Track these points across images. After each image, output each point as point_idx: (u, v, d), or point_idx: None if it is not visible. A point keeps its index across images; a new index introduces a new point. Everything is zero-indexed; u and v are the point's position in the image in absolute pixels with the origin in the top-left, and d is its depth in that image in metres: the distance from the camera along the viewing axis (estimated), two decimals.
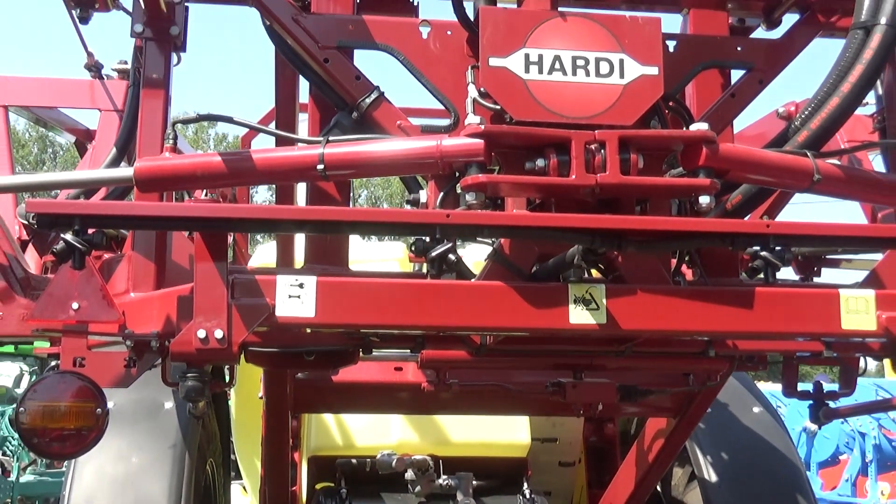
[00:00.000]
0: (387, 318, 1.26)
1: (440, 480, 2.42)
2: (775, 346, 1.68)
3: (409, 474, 2.42)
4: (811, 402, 2.06)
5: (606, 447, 2.91)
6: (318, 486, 2.66)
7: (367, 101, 1.54)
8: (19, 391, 8.40)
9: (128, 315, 1.36)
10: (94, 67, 2.57)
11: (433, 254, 1.18)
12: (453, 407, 2.28)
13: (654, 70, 1.46)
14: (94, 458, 2.24)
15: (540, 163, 1.29)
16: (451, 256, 1.19)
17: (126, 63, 2.41)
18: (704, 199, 1.29)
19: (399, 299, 1.26)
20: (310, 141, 1.45)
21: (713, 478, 2.46)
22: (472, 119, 1.43)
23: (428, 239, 1.24)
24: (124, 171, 1.42)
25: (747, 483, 2.48)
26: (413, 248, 1.23)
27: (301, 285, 1.25)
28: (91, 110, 2.61)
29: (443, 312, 1.26)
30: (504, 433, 2.67)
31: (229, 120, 1.57)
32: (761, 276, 1.34)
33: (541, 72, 1.43)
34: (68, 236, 1.18)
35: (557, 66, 1.44)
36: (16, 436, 6.77)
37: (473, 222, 1.27)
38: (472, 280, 1.33)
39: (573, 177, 1.26)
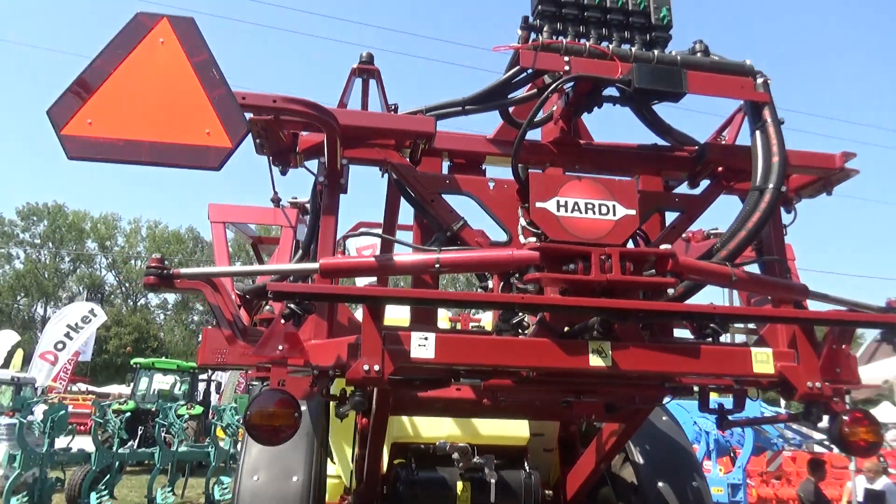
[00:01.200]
0: (477, 359, 2.07)
1: (475, 460, 3.61)
2: (705, 381, 2.52)
3: (455, 455, 3.58)
4: (717, 415, 2.87)
5: (571, 440, 4.20)
6: (395, 462, 3.80)
7: (457, 226, 2.42)
8: (176, 392, 17.13)
9: (311, 354, 2.16)
10: (276, 201, 3.61)
11: (514, 321, 2.02)
12: (498, 413, 3.27)
13: (633, 212, 2.37)
14: (255, 444, 3.30)
15: (571, 266, 2.14)
16: (525, 321, 2.02)
17: (296, 198, 3.60)
18: (670, 291, 2.15)
19: (485, 348, 2.07)
20: (425, 249, 2.32)
21: (640, 460, 3.75)
22: (524, 240, 2.32)
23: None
24: (312, 265, 2.24)
25: (661, 462, 3.78)
26: (501, 317, 2.06)
27: (426, 338, 2.06)
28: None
29: (510, 356, 2.07)
30: (512, 430, 3.91)
31: (378, 235, 2.43)
32: (709, 338, 2.20)
33: (567, 211, 2.33)
34: (292, 305, 1.96)
35: (576, 208, 2.34)
36: (175, 422, 12.49)
37: (538, 302, 2.09)
38: (528, 337, 2.16)
39: (592, 275, 2.11)
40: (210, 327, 2.37)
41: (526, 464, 3.87)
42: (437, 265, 2.14)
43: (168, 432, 13.10)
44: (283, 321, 2.17)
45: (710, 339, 2.29)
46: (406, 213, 2.61)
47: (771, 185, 2.31)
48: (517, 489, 3.69)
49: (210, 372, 20.01)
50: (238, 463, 3.49)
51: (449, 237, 2.42)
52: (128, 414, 14.37)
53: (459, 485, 3.67)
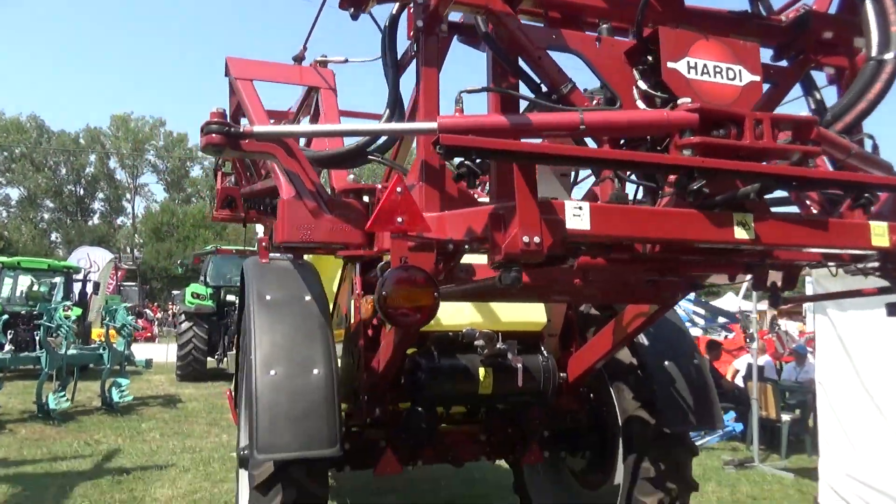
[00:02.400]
0: (632, 231, 1.87)
1: (499, 345, 3.52)
2: (807, 256, 2.50)
3: (480, 342, 3.47)
4: (771, 293, 2.92)
5: (570, 325, 4.18)
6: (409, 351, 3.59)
7: (566, 88, 2.14)
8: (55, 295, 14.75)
9: (438, 226, 1.86)
10: (299, 59, 3.04)
11: (694, 187, 1.83)
12: (578, 295, 3.24)
13: (758, 78, 2.21)
14: (267, 335, 3.07)
15: (721, 132, 1.97)
16: (705, 189, 1.84)
17: (325, 56, 3.11)
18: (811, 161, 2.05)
19: (641, 219, 1.88)
20: (565, 109, 2.02)
21: (644, 341, 3.88)
22: (642, 105, 2.09)
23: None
24: (427, 124, 1.88)
25: (663, 342, 3.92)
26: (677, 183, 1.86)
27: (580, 208, 1.83)
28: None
29: (664, 228, 1.90)
30: (531, 315, 3.89)
31: (506, 91, 2.08)
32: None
33: (697, 73, 2.12)
34: (468, 163, 1.63)
35: (705, 70, 2.13)
36: (63, 323, 11.03)
37: (718, 167, 1.87)
38: (682, 209, 1.97)
39: (747, 141, 1.95)
40: (288, 198, 1.98)
41: (543, 348, 3.85)
42: (582, 126, 1.88)
43: (50, 335, 12.08)
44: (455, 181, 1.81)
45: (862, 209, 2.22)
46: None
47: (891, 55, 2.24)
48: (536, 374, 3.68)
49: (86, 270, 18.46)
50: (248, 357, 3.16)
51: (553, 101, 2.14)
52: (4, 317, 12.94)
53: (481, 371, 3.59)
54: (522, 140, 1.85)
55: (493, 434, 4.15)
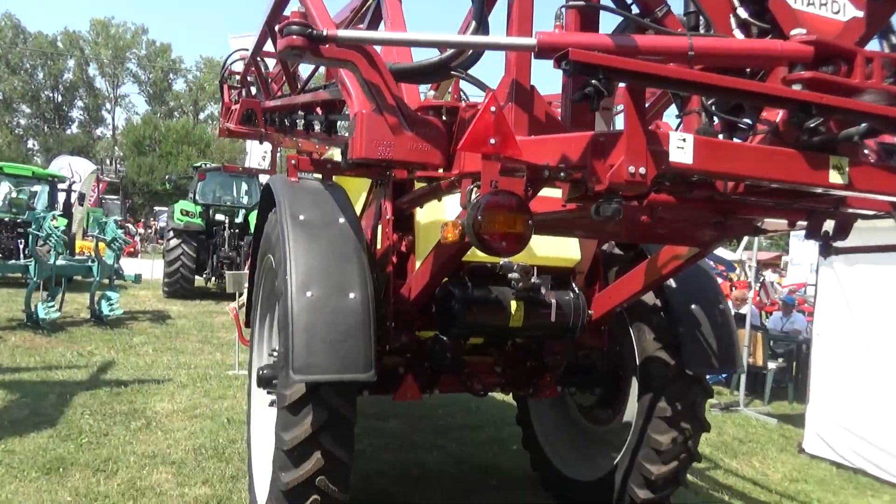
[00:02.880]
0: (734, 169, 1.79)
1: (534, 279, 3.46)
2: (878, 206, 2.43)
3: (515, 275, 3.40)
4: (822, 242, 2.86)
5: (596, 263, 4.04)
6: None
7: (661, 12, 2.00)
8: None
9: (531, 150, 1.75)
10: None
11: (811, 124, 1.73)
12: (633, 232, 3.11)
13: (861, 13, 2.09)
14: (302, 256, 3.04)
15: (830, 68, 1.87)
16: (822, 128, 1.75)
17: None
18: None
19: (744, 156, 1.79)
20: (671, 32, 1.89)
21: (672, 283, 3.83)
22: (739, 34, 1.97)
23: None
24: (527, 40, 1.74)
25: (689, 285, 3.88)
26: (794, 120, 1.76)
27: (684, 140, 1.74)
28: None
29: (766, 168, 1.81)
30: (565, 250, 3.84)
31: (613, 10, 1.94)
32: None
33: (802, 4, 1.99)
34: (595, 82, 1.51)
35: (811, 1, 2.01)
36: (53, 232, 10.52)
37: (837, 105, 1.76)
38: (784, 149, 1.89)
39: (857, 79, 1.85)
40: (367, 111, 1.85)
41: (574, 284, 3.81)
42: (691, 52, 1.76)
43: (38, 244, 11.91)
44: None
45: None
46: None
47: None
48: (567, 310, 3.65)
49: (70, 180, 18.04)
50: (285, 278, 3.08)
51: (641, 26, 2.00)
52: None
53: (513, 304, 3.55)
54: None
55: (511, 367, 4.17)
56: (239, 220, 16.39)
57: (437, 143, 1.92)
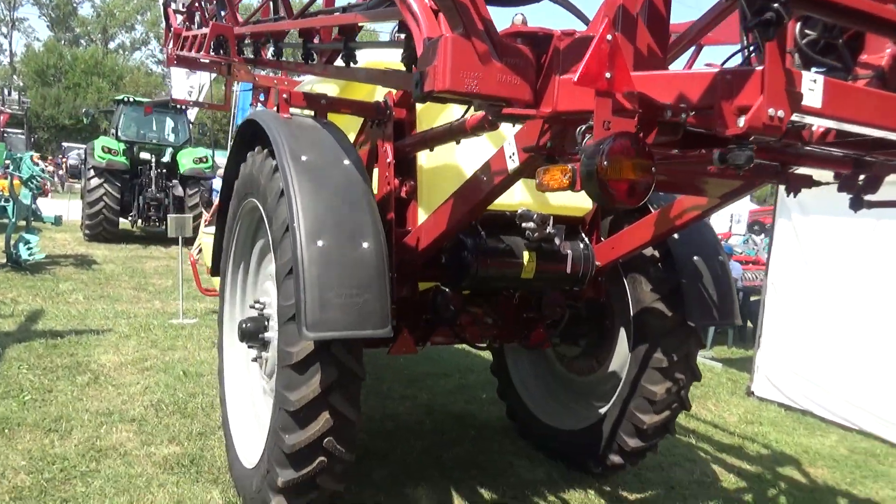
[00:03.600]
0: (859, 117, 1.64)
1: (549, 229, 3.32)
2: None
3: (532, 225, 3.27)
4: (853, 196, 2.81)
5: (596, 215, 3.91)
6: None
7: None
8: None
9: (649, 87, 1.54)
10: None
11: None
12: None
13: None
14: (309, 202, 2.82)
15: None
16: None
17: None
18: None
19: (875, 105, 1.64)
20: None
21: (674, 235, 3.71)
22: None
23: None
24: None
25: (690, 237, 3.81)
26: None
27: (815, 81, 1.57)
28: None
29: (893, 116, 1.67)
30: (578, 200, 3.70)
31: None
32: None
33: None
34: (777, 6, 1.28)
35: None
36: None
37: None
38: None
39: None
40: (452, 35, 1.56)
41: (583, 234, 3.66)
42: None
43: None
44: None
45: None
46: None
47: None
48: (578, 261, 3.52)
49: None
50: (291, 225, 2.78)
51: None
52: None
53: (526, 255, 3.38)
54: None
55: (506, 318, 4.04)
56: (166, 159, 15.36)
57: (525, 77, 1.68)
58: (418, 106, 3.58)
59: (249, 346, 3.77)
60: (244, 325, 3.59)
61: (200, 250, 5.82)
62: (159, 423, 4.73)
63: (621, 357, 4.39)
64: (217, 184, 17.09)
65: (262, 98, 6.38)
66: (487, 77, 1.60)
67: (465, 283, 3.33)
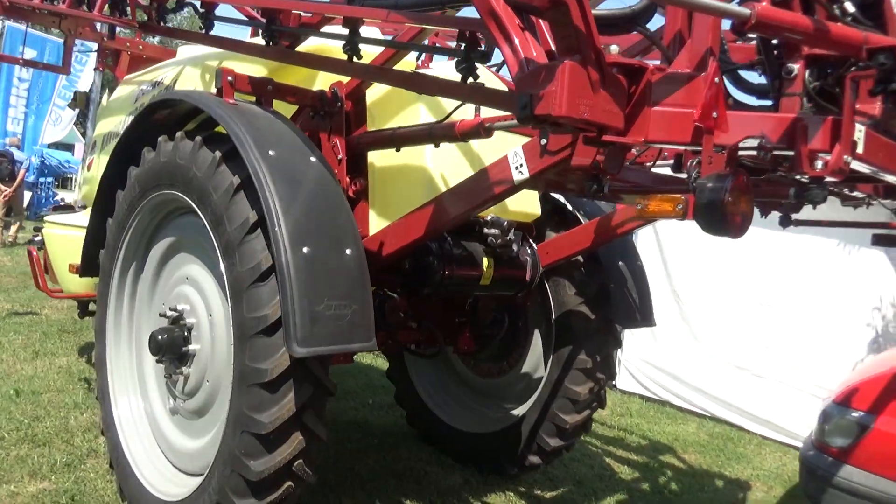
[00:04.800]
0: (886, 163, 2.01)
1: (510, 235, 3.53)
2: None
3: (495, 231, 3.48)
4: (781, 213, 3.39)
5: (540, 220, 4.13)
6: None
7: None
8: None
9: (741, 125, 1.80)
10: None
11: None
12: None
13: None
14: (286, 202, 2.71)
15: None
16: None
17: None
18: None
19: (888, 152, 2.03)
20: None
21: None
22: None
23: None
24: (743, 10, 1.68)
25: (616, 251, 4.25)
26: None
27: (860, 131, 1.92)
28: None
29: None
30: (530, 206, 3.92)
31: None
32: None
33: None
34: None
35: None
36: None
37: None
38: None
39: None
40: (570, 63, 1.64)
41: (531, 240, 3.88)
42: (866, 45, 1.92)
43: None
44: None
45: None
46: None
47: None
48: (528, 266, 3.74)
49: None
50: (272, 230, 2.66)
51: None
52: None
53: (485, 261, 3.53)
54: None
55: (438, 323, 4.17)
56: None
57: (620, 105, 1.84)
58: (368, 99, 3.57)
59: (158, 361, 3.50)
60: (159, 338, 3.31)
61: (43, 243, 5.13)
62: (7, 455, 4.16)
63: (534, 359, 4.73)
64: (19, 155, 15.02)
65: (108, 62, 5.77)
66: (596, 105, 1.73)
67: (427, 289, 3.41)
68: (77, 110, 21.96)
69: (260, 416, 2.72)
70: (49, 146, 21.76)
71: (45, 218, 5.09)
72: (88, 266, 4.16)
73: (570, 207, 4.28)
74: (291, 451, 2.81)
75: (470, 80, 2.47)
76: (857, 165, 1.97)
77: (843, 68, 1.99)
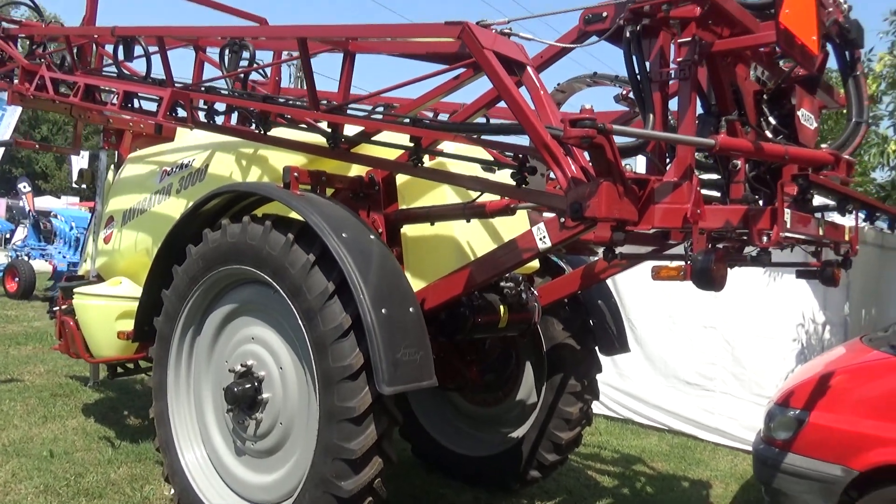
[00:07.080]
0: (799, 231, 3.11)
1: (520, 287, 4.47)
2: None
3: (510, 284, 4.43)
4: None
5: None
6: None
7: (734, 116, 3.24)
8: None
9: (713, 218, 2.88)
10: None
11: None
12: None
13: (816, 124, 3.63)
14: (366, 274, 3.55)
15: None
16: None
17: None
18: None
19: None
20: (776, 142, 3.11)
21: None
22: (771, 135, 3.37)
23: None
24: (707, 140, 2.71)
25: (594, 289, 5.23)
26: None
27: (788, 212, 3.00)
28: None
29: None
30: (532, 262, 4.58)
31: None
32: None
33: (804, 121, 3.43)
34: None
35: (807, 119, 3.46)
36: None
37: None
38: None
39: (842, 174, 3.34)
40: (606, 182, 2.63)
41: (532, 287, 4.85)
42: (787, 156, 2.99)
43: None
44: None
45: None
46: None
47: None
48: (535, 309, 4.69)
49: None
50: (358, 297, 3.46)
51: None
52: None
53: (502, 308, 4.48)
54: None
55: (452, 362, 5.06)
56: None
57: (635, 204, 2.85)
58: (399, 183, 4.51)
59: (229, 411, 4.26)
60: (235, 390, 4.09)
61: (67, 309, 5.70)
62: None
63: (527, 387, 5.69)
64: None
65: (112, 140, 6.43)
66: (622, 207, 2.74)
67: (460, 335, 4.33)
68: None
69: (349, 444, 3.54)
70: None
71: (74, 290, 5.69)
72: (141, 333, 4.85)
73: (552, 258, 5.30)
74: (373, 471, 3.63)
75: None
76: (787, 234, 3.07)
77: (771, 165, 3.11)
